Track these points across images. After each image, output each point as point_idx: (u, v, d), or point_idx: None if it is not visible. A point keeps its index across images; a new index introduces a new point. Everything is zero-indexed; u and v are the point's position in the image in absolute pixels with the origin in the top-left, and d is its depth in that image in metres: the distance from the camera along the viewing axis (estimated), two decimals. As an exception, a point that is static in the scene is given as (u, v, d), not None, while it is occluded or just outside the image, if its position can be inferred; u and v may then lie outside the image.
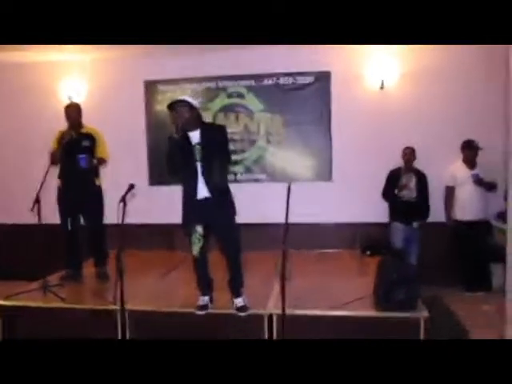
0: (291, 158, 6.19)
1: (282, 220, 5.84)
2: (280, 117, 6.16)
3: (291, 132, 6.15)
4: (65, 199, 4.94)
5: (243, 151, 6.30)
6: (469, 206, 5.71)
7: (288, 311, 3.82)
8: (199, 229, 3.89)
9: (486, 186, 5.65)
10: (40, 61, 6.54)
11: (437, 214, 5.82)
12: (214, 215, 3.84)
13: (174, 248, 6.20)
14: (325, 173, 6.14)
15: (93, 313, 4.18)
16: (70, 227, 4.92)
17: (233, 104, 6.26)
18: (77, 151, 4.85)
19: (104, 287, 4.77)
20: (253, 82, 6.18)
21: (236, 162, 6.31)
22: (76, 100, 6.58)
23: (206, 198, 3.83)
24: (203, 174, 3.80)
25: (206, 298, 4.05)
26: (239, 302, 3.98)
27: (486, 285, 5.65)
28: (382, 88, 5.96)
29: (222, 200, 3.88)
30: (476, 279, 5.68)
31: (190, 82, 6.35)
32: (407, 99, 5.96)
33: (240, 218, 5.51)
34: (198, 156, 3.78)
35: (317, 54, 5.96)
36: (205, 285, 4.08)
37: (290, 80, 6.09)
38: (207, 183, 3.80)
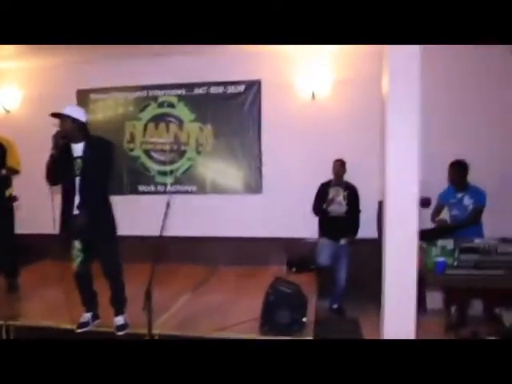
0: (221, 170, 6.09)
1: (210, 233, 5.91)
2: (210, 127, 6.07)
3: (221, 143, 6.06)
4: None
5: (173, 162, 6.21)
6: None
7: (165, 332, 3.79)
8: (77, 244, 3.85)
9: (420, 201, 5.47)
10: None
11: (369, 229, 5.67)
12: (89, 231, 3.77)
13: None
14: (254, 185, 6.03)
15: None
16: None
17: (163, 114, 6.19)
18: None
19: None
20: (183, 91, 6.10)
21: (165, 173, 6.23)
22: (9, 108, 6.62)
23: (80, 214, 3.77)
24: (79, 188, 3.75)
25: (88, 315, 3.96)
26: (118, 320, 3.90)
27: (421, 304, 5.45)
28: (313, 98, 5.85)
29: (97, 216, 3.77)
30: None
31: (121, 91, 6.30)
32: (339, 110, 5.83)
33: (168, 231, 5.57)
34: (77, 170, 3.72)
35: (248, 62, 5.89)
36: (88, 301, 4.00)
37: (221, 89, 6.01)
38: (81, 198, 3.74)
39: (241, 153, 6.02)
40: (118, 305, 3.94)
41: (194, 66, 5.99)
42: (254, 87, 5.92)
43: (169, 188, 6.23)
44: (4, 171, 4.88)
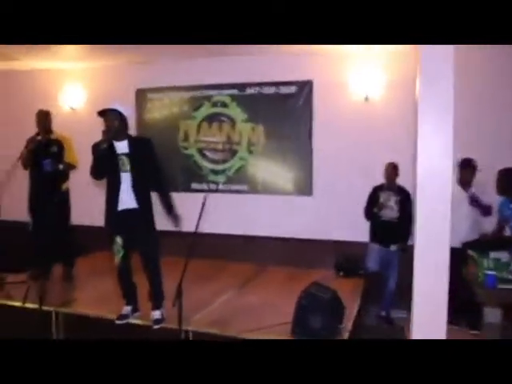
0: (272, 170, 6.10)
1: (259, 233, 5.93)
2: (262, 127, 6.09)
3: (273, 143, 6.07)
4: (31, 200, 5.25)
5: (225, 161, 6.30)
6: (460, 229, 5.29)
7: (200, 329, 3.85)
8: (119, 240, 3.99)
9: (483, 208, 5.19)
10: (43, 68, 6.98)
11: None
12: (134, 227, 3.92)
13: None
14: (305, 187, 5.99)
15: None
16: (30, 228, 5.23)
17: (217, 113, 6.29)
18: (43, 156, 5.14)
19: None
20: (236, 91, 6.17)
21: (218, 172, 6.33)
22: (75, 107, 6.98)
23: (128, 210, 3.91)
24: (131, 184, 3.89)
25: (129, 308, 4.12)
26: (156, 314, 4.01)
27: (472, 320, 5.14)
28: (366, 99, 5.73)
29: (145, 212, 3.95)
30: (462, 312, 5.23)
31: (177, 91, 6.45)
32: (392, 111, 5.67)
33: (219, 228, 5.58)
34: (122, 166, 3.87)
35: (300, 62, 5.86)
36: (128, 294, 4.15)
37: (273, 89, 6.01)
38: (135, 194, 3.89)
39: (292, 154, 6.00)
40: (156, 299, 4.06)
41: (247, 67, 6.03)
42: (305, 88, 5.88)
43: (220, 187, 6.32)
44: (61, 166, 5.15)
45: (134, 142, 3.95)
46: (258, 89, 6.07)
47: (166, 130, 6.54)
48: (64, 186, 5.29)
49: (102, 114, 3.91)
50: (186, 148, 6.47)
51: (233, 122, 6.22)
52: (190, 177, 6.46)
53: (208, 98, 6.31)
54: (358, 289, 5.12)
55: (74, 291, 5.07)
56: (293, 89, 5.94)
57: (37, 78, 7.12)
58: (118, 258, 4.04)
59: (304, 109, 5.91)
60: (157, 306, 4.05)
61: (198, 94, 6.36)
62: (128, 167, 3.88)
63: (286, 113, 5.98)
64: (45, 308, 4.36)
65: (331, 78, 5.81)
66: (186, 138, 6.46)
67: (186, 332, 3.91)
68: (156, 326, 3.95)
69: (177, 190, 6.35)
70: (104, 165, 3.89)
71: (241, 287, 5.17)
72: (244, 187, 6.24)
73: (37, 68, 7.02)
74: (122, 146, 3.91)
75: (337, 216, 5.90)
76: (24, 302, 4.35)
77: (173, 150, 6.49)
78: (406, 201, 5.39)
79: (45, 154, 5.14)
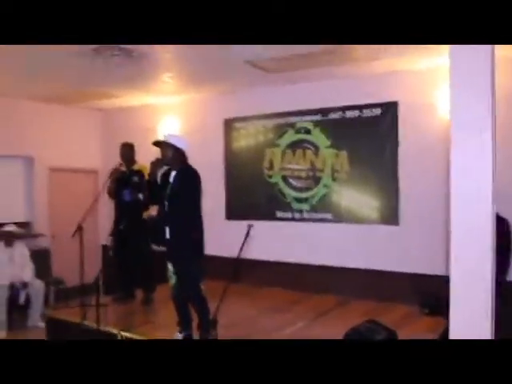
0: (357, 198, 5.86)
1: (342, 263, 5.70)
2: (346, 153, 5.90)
3: (357, 169, 5.84)
4: (115, 229, 5.63)
5: (309, 189, 6.19)
6: None
7: None
8: (170, 266, 4.13)
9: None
10: (141, 104, 7.55)
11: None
12: (174, 255, 4.05)
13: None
14: (391, 215, 5.63)
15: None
16: (111, 252, 5.62)
17: (300, 140, 6.24)
18: (124, 186, 5.51)
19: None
20: (319, 117, 6.06)
21: (302, 200, 6.24)
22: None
23: (168, 239, 4.04)
24: (167, 213, 4.02)
25: (180, 336, 4.18)
26: None
27: None
28: (457, 119, 5.25)
29: (178, 243, 3.99)
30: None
31: (262, 119, 6.54)
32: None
33: (301, 258, 6.07)
34: (167, 196, 4.01)
35: (384, 83, 5.61)
36: (181, 321, 4.22)
37: (357, 113, 5.80)
38: (168, 223, 4.02)
39: (377, 180, 5.71)
40: (202, 329, 4.05)
41: (329, 91, 5.92)
42: (390, 110, 5.59)
43: (304, 215, 6.20)
44: (141, 196, 5.44)
45: (181, 173, 4.03)
46: (341, 113, 5.91)
47: (252, 158, 6.66)
48: (145, 215, 5.58)
49: (158, 144, 4.11)
50: (271, 176, 6.48)
51: (316, 148, 6.12)
52: (275, 205, 6.45)
53: (292, 124, 6.29)
54: (440, 329, 4.62)
55: (147, 316, 5.26)
56: (377, 111, 5.68)
57: (135, 114, 7.69)
58: (171, 285, 4.17)
59: (389, 132, 5.61)
60: (202, 336, 4.04)
61: (281, 121, 6.38)
62: (167, 197, 4.01)
63: (371, 137, 5.73)
64: (111, 330, 4.62)
65: (417, 98, 5.46)
66: (271, 166, 6.48)
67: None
68: None
69: (262, 218, 6.46)
70: (156, 193, 4.10)
71: (312, 320, 4.97)
72: (328, 216, 6.05)
73: (135, 104, 7.60)
74: (172, 176, 4.06)
75: (425, 247, 5.44)
76: (82, 320, 4.61)
77: (258, 178, 6.57)
78: (502, 231, 4.79)
79: (126, 184, 5.49)
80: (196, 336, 4.13)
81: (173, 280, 4.14)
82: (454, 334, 2.68)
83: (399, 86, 5.57)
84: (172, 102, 7.32)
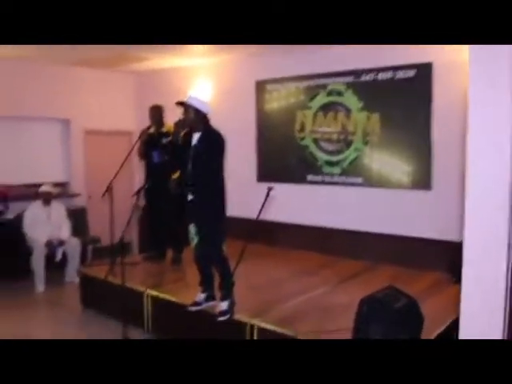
0: (388, 162, 5.74)
1: (372, 229, 5.67)
2: (378, 115, 5.75)
3: (389, 132, 5.70)
4: (146, 189, 5.74)
5: (340, 152, 6.11)
6: None
7: (265, 325, 3.90)
8: (192, 228, 4.20)
9: None
10: (173, 67, 7.58)
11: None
12: (197, 217, 4.09)
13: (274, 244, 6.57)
14: (423, 180, 5.50)
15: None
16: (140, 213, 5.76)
17: (332, 102, 6.12)
18: (153, 147, 5.59)
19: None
20: (351, 79, 5.92)
21: (333, 164, 6.17)
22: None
23: (191, 201, 4.08)
24: (190, 175, 4.05)
25: (202, 296, 4.27)
26: (222, 305, 4.09)
27: None
28: (495, 81, 5.02)
29: (203, 203, 4.02)
30: None
31: (294, 81, 6.44)
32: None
33: (330, 222, 6.18)
34: (190, 157, 4.03)
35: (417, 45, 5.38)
36: (203, 281, 4.31)
37: (389, 74, 5.63)
38: (191, 185, 4.05)
39: (409, 144, 5.57)
40: (224, 290, 4.12)
41: (362, 52, 5.74)
42: (425, 71, 5.39)
43: (335, 179, 6.15)
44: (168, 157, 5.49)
45: (204, 136, 4.03)
46: (373, 75, 5.75)
47: (283, 120, 6.60)
48: (175, 176, 5.65)
49: (181, 105, 4.10)
50: (303, 138, 6.43)
51: (348, 110, 6.00)
52: (306, 168, 6.42)
53: (323, 86, 6.18)
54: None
55: (175, 275, 5.39)
56: (411, 73, 5.50)
57: (168, 76, 7.72)
58: (193, 245, 4.24)
59: (423, 94, 5.43)
60: (224, 297, 4.11)
61: (313, 83, 6.27)
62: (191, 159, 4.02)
63: (403, 99, 5.57)
64: (139, 288, 4.78)
65: (453, 58, 5.21)
66: (302, 129, 6.42)
67: (252, 327, 3.93)
68: (221, 318, 4.03)
69: (293, 181, 6.47)
70: (179, 155, 4.14)
71: (336, 285, 4.99)
72: (358, 180, 5.98)
73: (167, 67, 7.63)
74: (195, 138, 4.07)
75: (457, 214, 5.29)
76: (106, 277, 4.78)
77: (290, 140, 6.53)
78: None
79: (155, 146, 5.56)
80: (218, 295, 4.22)
81: (195, 241, 4.20)
82: (464, 332, 2.62)
83: (433, 47, 5.32)
84: (204, 64, 7.30)
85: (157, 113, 5.68)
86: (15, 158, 7.03)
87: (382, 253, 5.69)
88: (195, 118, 4.02)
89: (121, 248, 4.48)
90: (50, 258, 6.27)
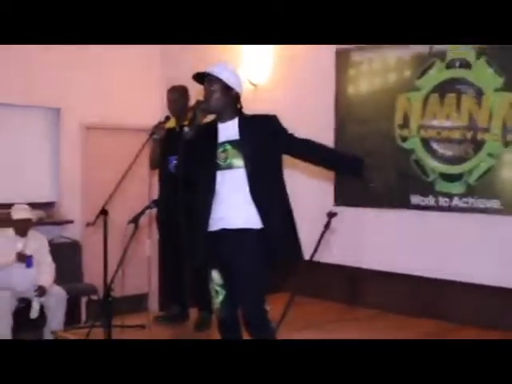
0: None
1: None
2: (530, 99, 5.34)
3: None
4: (158, 215, 5.53)
5: (465, 160, 5.69)
6: None
7: None
8: (216, 276, 3.97)
9: None
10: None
11: None
12: (234, 257, 3.86)
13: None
14: None
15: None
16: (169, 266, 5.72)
17: (454, 79, 5.76)
18: (172, 150, 5.32)
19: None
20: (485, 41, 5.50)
21: (452, 178, 5.79)
22: (256, 82, 7.18)
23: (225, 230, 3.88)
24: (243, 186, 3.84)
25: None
26: None
27: None
28: None
29: (254, 235, 3.83)
30: None
31: (394, 48, 6.09)
32: None
33: (443, 271, 5.87)
34: (222, 161, 3.85)
35: None
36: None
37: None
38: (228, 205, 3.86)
39: None
40: None
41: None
42: None
43: (456, 202, 5.73)
44: None
45: (244, 122, 3.89)
46: (522, 34, 5.29)
47: (376, 110, 6.35)
48: None
49: (199, 79, 3.92)
50: (406, 139, 6.10)
51: (479, 92, 5.60)
52: (409, 185, 6.10)
53: (441, 55, 5.83)
54: None
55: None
56: None
57: (205, 50, 7.55)
58: (217, 304, 4.00)
59: None
60: None
61: (424, 50, 5.93)
62: (236, 161, 3.82)
63: None
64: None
65: None
66: (406, 123, 6.09)
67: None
68: None
69: (390, 204, 6.24)
70: (191, 157, 3.95)
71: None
72: (494, 203, 5.53)
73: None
74: (226, 130, 3.89)
75: None
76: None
77: (386, 141, 6.25)
78: None
79: (174, 148, 5.28)
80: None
81: (220, 297, 3.95)
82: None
83: None
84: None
85: (178, 97, 5.54)
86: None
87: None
88: (223, 98, 3.84)
89: (104, 305, 4.29)
90: (21, 315, 6.22)
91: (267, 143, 3.83)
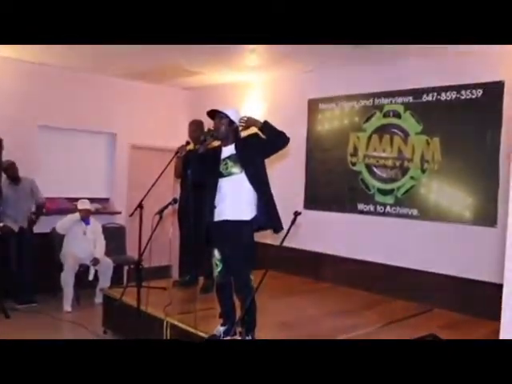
0: (448, 193, 5.33)
1: (426, 267, 5.28)
2: (438, 140, 5.38)
3: (450, 160, 5.30)
4: (179, 211, 5.65)
5: (395, 180, 5.77)
6: None
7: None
8: (216, 253, 4.02)
9: None
10: (225, 83, 7.57)
11: None
12: (229, 240, 3.90)
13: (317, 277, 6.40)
14: (487, 215, 5.04)
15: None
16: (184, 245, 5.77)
17: (388, 124, 5.82)
18: (189, 165, 5.47)
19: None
20: (411, 99, 5.59)
21: (386, 192, 5.84)
22: (251, 114, 7.27)
23: (225, 219, 3.90)
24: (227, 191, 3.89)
25: (221, 329, 4.05)
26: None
27: None
28: None
29: (240, 224, 3.85)
30: None
31: (348, 100, 6.20)
32: None
33: (380, 257, 5.88)
34: (224, 171, 3.91)
35: (487, 61, 5.01)
36: (224, 314, 4.10)
37: (454, 95, 5.26)
38: (228, 202, 3.89)
39: (473, 173, 5.16)
40: (246, 325, 3.86)
41: (422, 70, 5.45)
42: (494, 91, 4.98)
43: (388, 209, 5.80)
44: None
45: (240, 142, 3.96)
46: (435, 95, 5.39)
47: (335, 142, 6.37)
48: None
49: (211, 115, 4.01)
50: (355, 164, 6.14)
51: (405, 134, 5.68)
52: (357, 196, 6.12)
53: (380, 107, 5.90)
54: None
55: (199, 304, 5.17)
56: (478, 93, 5.10)
57: (219, 92, 7.68)
58: (216, 273, 4.07)
59: (491, 117, 5.01)
60: (246, 332, 3.86)
61: (369, 103, 6.00)
62: (234, 169, 3.89)
63: (469, 123, 5.20)
64: (159, 315, 4.63)
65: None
66: (355, 153, 6.14)
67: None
68: None
69: (343, 209, 6.18)
70: (202, 168, 4.05)
71: (378, 328, 4.60)
72: (413, 211, 5.59)
73: (219, 82, 7.63)
74: (227, 151, 3.95)
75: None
76: (120, 299, 4.64)
77: (341, 165, 6.28)
78: None
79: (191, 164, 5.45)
80: (238, 331, 3.97)
81: (218, 268, 4.01)
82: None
83: (505, 63, 4.93)
84: (256, 80, 7.24)
85: (196, 128, 5.60)
86: (59, 169, 7.19)
87: (436, 295, 5.27)
88: (227, 130, 3.93)
89: (137, 271, 4.37)
90: (83, 277, 6.34)
91: (253, 153, 3.88)
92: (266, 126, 3.94)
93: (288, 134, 3.99)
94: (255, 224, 3.90)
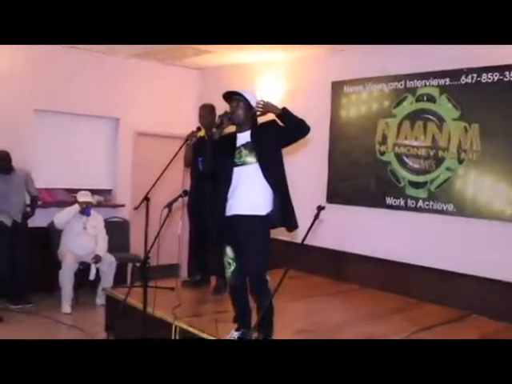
0: (488, 186, 5.23)
1: (464, 269, 5.20)
2: (478, 127, 5.26)
3: (492, 149, 5.18)
4: (189, 204, 5.61)
5: (428, 172, 5.67)
6: None
7: None
8: (229, 251, 3.99)
9: None
10: (240, 63, 7.55)
11: None
12: (242, 236, 3.85)
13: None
14: (532, 211, 4.95)
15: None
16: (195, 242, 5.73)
17: (421, 110, 5.71)
18: (201, 154, 5.42)
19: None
20: (447, 81, 5.48)
21: (418, 185, 5.76)
22: (269, 99, 7.21)
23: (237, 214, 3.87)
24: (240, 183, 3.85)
25: (236, 334, 4.02)
26: None
27: None
28: None
29: (255, 219, 3.81)
30: None
31: (377, 82, 6.10)
32: None
33: (413, 258, 5.81)
34: (238, 160, 3.88)
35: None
36: (239, 318, 4.07)
37: (496, 76, 5.14)
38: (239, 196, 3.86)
39: (519, 164, 5.05)
40: (263, 329, 3.84)
41: (462, 50, 5.28)
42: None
43: (420, 204, 5.72)
44: None
45: (257, 129, 3.93)
46: (475, 76, 5.28)
47: (362, 130, 6.29)
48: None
49: (227, 98, 3.98)
50: (383, 153, 6.06)
51: (440, 120, 5.57)
52: (386, 189, 6.03)
53: (412, 90, 5.79)
54: None
55: (211, 305, 5.23)
56: (523, 74, 5.00)
57: (234, 74, 7.63)
58: (229, 273, 4.04)
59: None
60: (263, 335, 3.84)
61: (400, 85, 5.90)
62: (249, 159, 3.85)
63: (512, 108, 5.07)
64: (168, 318, 4.60)
65: None
66: (384, 141, 6.05)
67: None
68: None
69: (370, 204, 6.16)
70: (214, 156, 4.00)
71: (409, 336, 4.53)
72: (449, 207, 5.50)
73: (233, 62, 7.57)
74: (242, 138, 3.91)
75: None
76: (125, 300, 4.59)
77: (368, 155, 6.20)
78: None
79: (203, 152, 5.39)
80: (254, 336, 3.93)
81: (231, 268, 3.98)
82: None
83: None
84: (274, 60, 7.16)
85: (208, 113, 5.54)
86: (57, 158, 7.18)
87: (473, 300, 5.19)
88: (245, 114, 3.89)
89: (143, 270, 4.34)
90: (83, 276, 6.33)
91: (271, 142, 3.85)
92: (284, 114, 3.88)
93: (308, 122, 3.94)
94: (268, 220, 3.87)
